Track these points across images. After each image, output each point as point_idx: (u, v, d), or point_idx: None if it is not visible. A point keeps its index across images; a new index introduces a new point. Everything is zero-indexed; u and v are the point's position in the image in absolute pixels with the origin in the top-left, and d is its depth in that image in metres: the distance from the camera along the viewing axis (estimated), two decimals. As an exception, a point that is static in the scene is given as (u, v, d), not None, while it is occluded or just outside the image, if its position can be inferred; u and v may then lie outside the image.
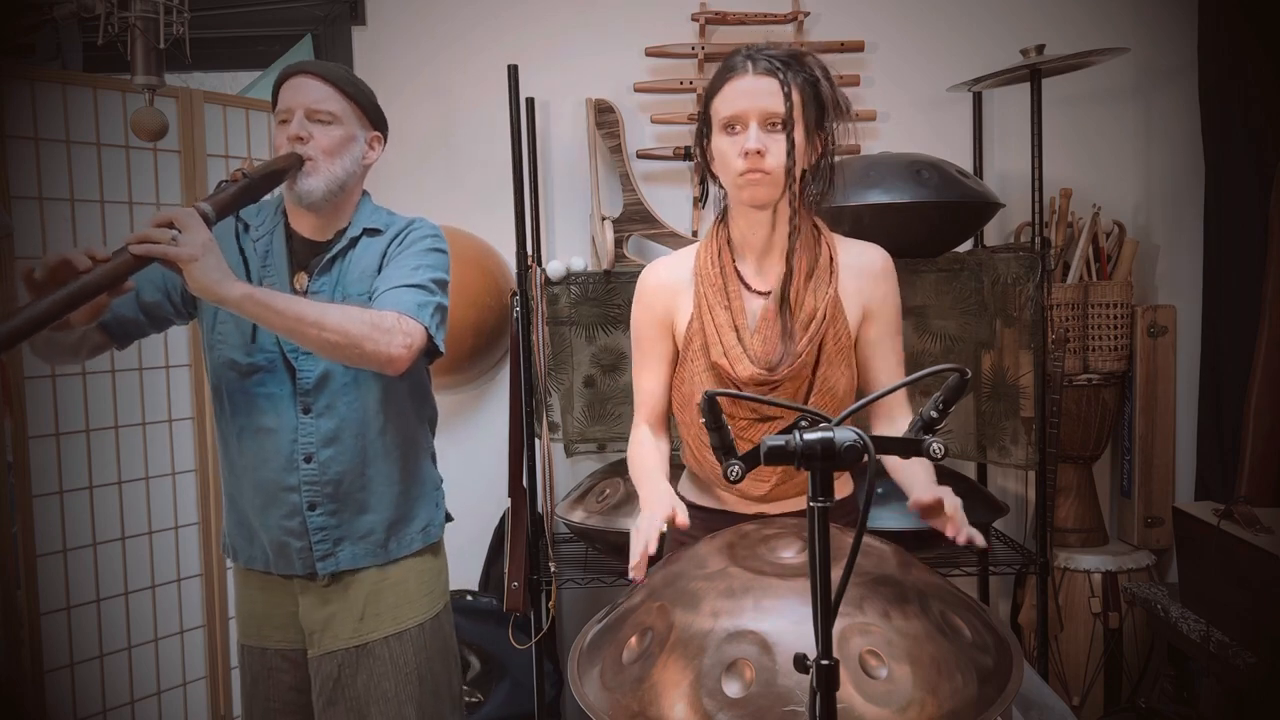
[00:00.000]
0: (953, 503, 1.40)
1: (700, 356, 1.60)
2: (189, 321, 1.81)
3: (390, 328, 1.56)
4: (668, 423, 1.69)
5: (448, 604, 1.84)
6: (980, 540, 1.36)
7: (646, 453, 1.63)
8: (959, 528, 1.37)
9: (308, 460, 1.68)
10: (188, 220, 1.45)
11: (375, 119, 1.76)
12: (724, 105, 1.50)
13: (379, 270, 1.69)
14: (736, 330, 1.58)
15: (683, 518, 1.40)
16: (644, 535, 1.37)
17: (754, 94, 1.48)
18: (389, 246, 1.71)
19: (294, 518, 1.69)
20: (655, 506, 1.43)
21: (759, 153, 1.47)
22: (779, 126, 1.48)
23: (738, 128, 1.49)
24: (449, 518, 1.88)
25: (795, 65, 1.50)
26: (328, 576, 1.71)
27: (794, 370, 1.56)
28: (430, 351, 1.68)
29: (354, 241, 1.72)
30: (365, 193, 1.80)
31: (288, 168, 1.65)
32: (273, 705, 1.77)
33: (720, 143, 1.52)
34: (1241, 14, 2.55)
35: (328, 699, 1.71)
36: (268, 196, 1.70)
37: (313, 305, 1.53)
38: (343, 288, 1.69)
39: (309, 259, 1.72)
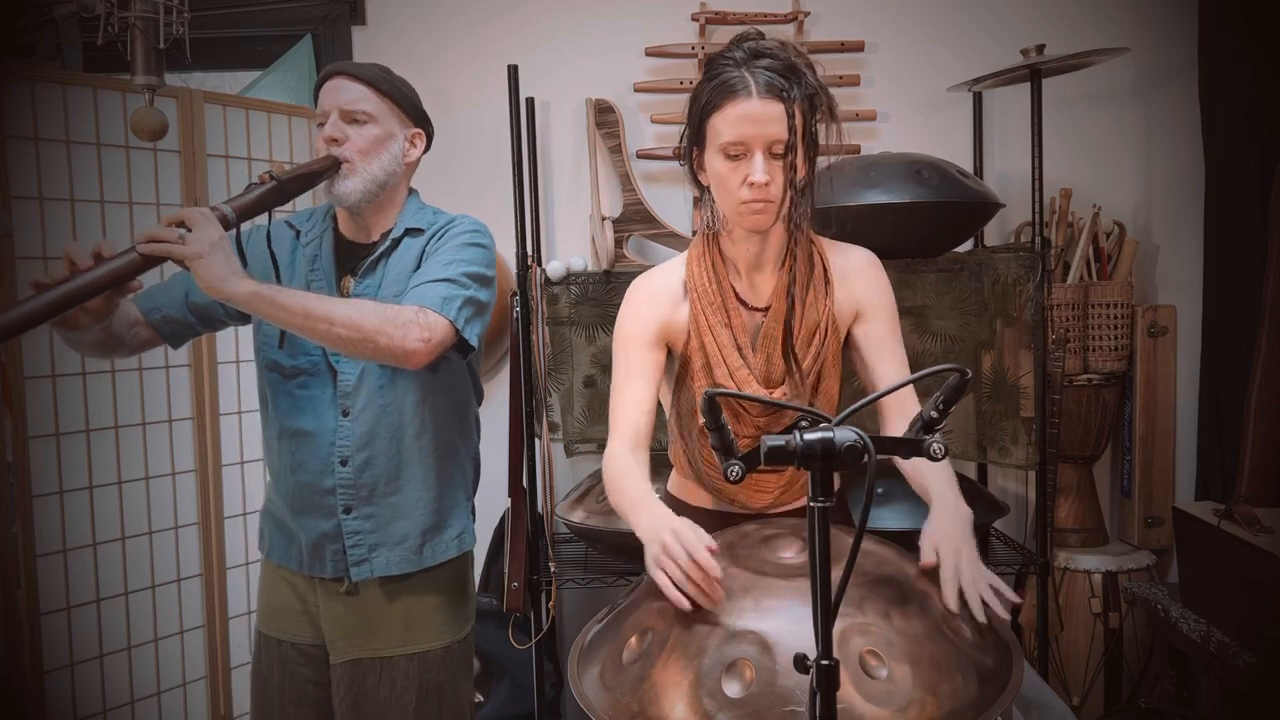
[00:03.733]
0: (950, 566, 1.31)
1: (702, 376, 1.56)
2: (245, 324, 1.80)
3: (406, 321, 1.53)
4: (649, 439, 1.57)
5: (473, 629, 1.83)
6: (999, 609, 1.28)
7: (633, 475, 1.49)
8: (950, 594, 1.29)
9: (344, 463, 1.67)
10: (197, 218, 1.46)
11: (415, 116, 1.74)
12: (726, 128, 1.43)
13: (417, 268, 1.67)
14: (739, 349, 1.54)
15: (713, 542, 1.30)
16: (690, 552, 1.27)
17: (759, 121, 1.41)
18: (428, 244, 1.70)
19: (330, 520, 1.69)
20: (677, 524, 1.33)
21: (765, 184, 1.43)
22: (782, 153, 1.43)
23: (740, 154, 1.44)
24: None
25: (795, 79, 1.43)
26: (355, 584, 1.70)
27: (803, 388, 1.54)
28: (462, 347, 1.63)
29: (396, 242, 1.71)
30: (413, 191, 1.79)
31: (322, 170, 1.64)
32: (287, 696, 1.77)
33: (718, 164, 1.46)
34: (1241, 14, 2.55)
35: (351, 703, 1.71)
36: (319, 203, 1.70)
37: (322, 300, 1.52)
38: (384, 290, 1.68)
39: (355, 262, 1.72)
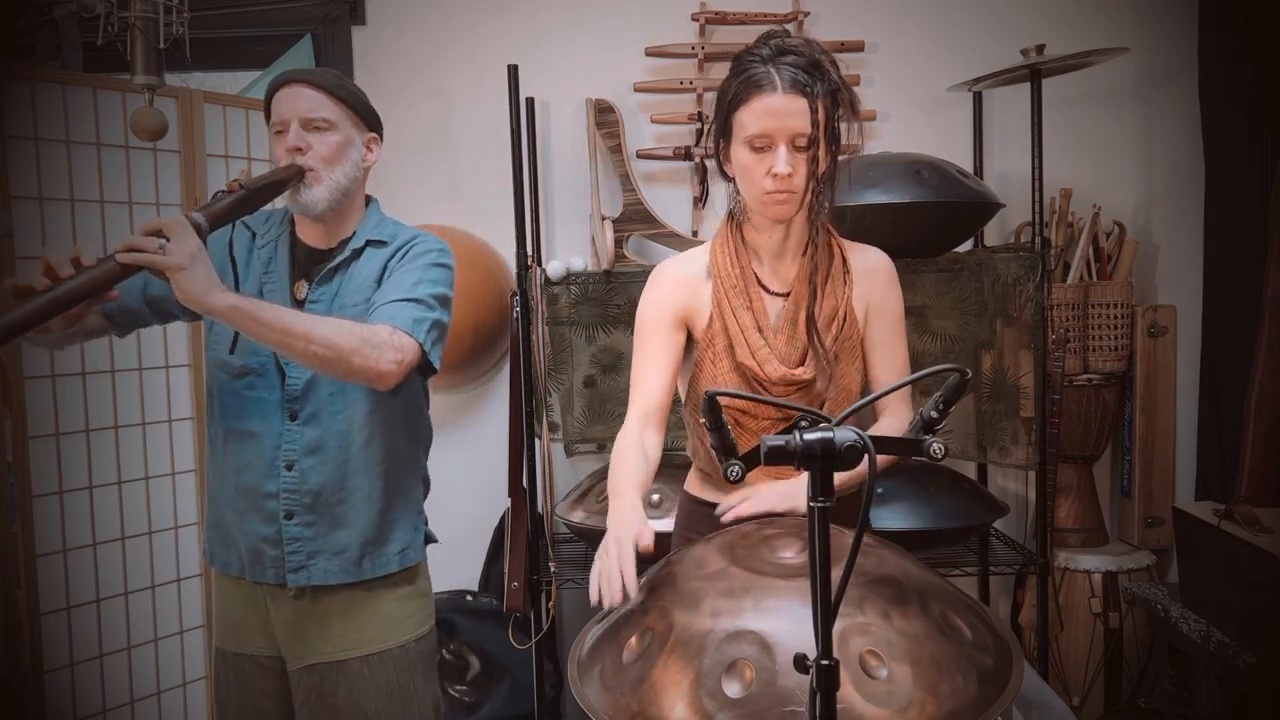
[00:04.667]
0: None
1: (724, 358, 1.60)
2: (195, 320, 1.79)
3: (381, 343, 1.53)
4: (664, 419, 1.63)
5: (432, 628, 1.80)
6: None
7: (629, 460, 1.56)
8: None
9: (289, 468, 1.66)
10: (176, 228, 1.44)
11: (370, 121, 1.74)
12: (751, 121, 1.49)
13: (379, 282, 1.67)
14: (761, 331, 1.59)
15: (647, 541, 1.36)
16: (618, 560, 1.33)
17: (784, 115, 1.47)
18: (391, 259, 1.69)
19: (271, 525, 1.67)
20: (622, 529, 1.39)
21: (788, 175, 1.48)
22: (805, 146, 1.48)
23: (764, 147, 1.49)
24: (431, 539, 1.83)
25: (818, 75, 1.48)
26: (299, 590, 1.69)
27: (821, 369, 1.58)
28: (425, 368, 1.65)
29: (357, 253, 1.70)
30: (373, 200, 1.79)
31: (288, 179, 1.64)
32: (245, 710, 1.75)
33: (743, 156, 1.51)
34: (1241, 14, 2.55)
35: (310, 711, 1.70)
36: (273, 205, 1.70)
37: (301, 318, 1.51)
38: (342, 298, 1.67)
39: (311, 267, 1.71)
